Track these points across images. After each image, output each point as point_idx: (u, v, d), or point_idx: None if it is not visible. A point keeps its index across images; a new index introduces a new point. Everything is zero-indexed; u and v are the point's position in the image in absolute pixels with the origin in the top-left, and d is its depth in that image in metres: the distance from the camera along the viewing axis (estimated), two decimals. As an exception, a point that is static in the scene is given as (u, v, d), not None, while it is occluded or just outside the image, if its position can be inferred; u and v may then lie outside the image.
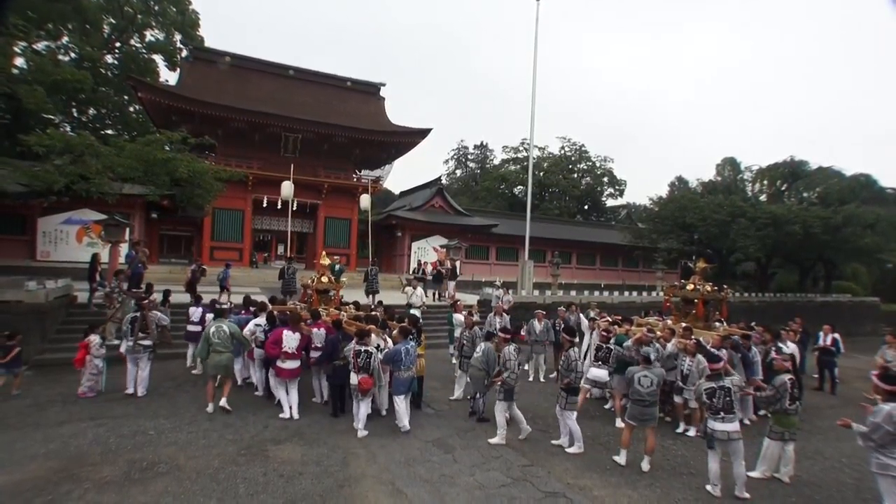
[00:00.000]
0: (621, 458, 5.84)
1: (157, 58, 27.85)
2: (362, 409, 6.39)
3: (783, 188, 33.25)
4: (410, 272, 24.06)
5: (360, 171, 26.78)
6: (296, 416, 6.79)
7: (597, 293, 19.80)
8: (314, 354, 7.23)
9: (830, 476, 5.99)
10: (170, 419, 6.52)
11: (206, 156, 18.55)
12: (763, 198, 32.24)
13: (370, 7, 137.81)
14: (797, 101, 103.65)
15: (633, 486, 5.28)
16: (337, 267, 13.53)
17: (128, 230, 13.89)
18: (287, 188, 17.93)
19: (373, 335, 6.83)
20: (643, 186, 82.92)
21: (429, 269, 19.13)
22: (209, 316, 8.48)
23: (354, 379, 6.34)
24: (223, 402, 6.83)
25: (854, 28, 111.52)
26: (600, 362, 7.59)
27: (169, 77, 28.03)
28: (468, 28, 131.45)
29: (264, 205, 21.73)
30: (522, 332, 10.27)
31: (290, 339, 6.80)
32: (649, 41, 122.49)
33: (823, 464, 6.42)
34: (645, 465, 5.72)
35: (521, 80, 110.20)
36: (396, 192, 38.96)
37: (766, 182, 34.07)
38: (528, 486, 5.10)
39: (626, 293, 20.47)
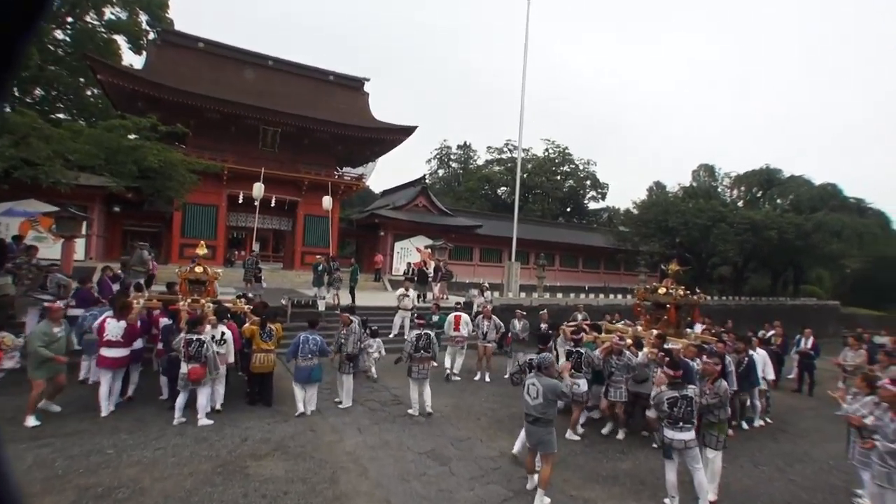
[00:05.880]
0: (529, 484, 5.14)
1: (120, 39, 26.05)
2: (181, 398, 6.43)
3: (758, 195, 34.34)
4: (392, 273, 23.86)
5: (341, 169, 26.18)
6: (111, 408, 6.49)
7: (582, 296, 19.84)
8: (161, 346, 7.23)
9: (821, 479, 6.05)
10: (133, 434, 5.87)
11: (176, 147, 17.65)
12: (740, 204, 33.16)
13: (350, 2, 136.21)
14: (766, 103, 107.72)
15: (636, 496, 5.18)
16: (320, 267, 13.25)
17: (85, 224, 12.97)
18: (257, 189, 17.72)
19: (208, 325, 6.77)
20: (621, 191, 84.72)
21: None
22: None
23: (185, 368, 6.30)
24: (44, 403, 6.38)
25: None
26: (573, 370, 6.98)
27: (134, 61, 26.54)
28: (451, 27, 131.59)
29: (240, 201, 20.94)
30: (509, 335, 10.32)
31: (114, 328, 6.57)
32: (631, 47, 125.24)
33: (813, 466, 6.52)
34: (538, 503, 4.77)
35: (504, 81, 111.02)
36: (377, 191, 38.46)
37: (743, 188, 35.12)
38: (531, 499, 4.84)
39: (612, 296, 20.59)
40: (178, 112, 18.52)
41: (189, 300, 8.07)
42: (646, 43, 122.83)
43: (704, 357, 6.19)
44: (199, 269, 8.48)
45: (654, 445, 6.54)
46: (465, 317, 10.31)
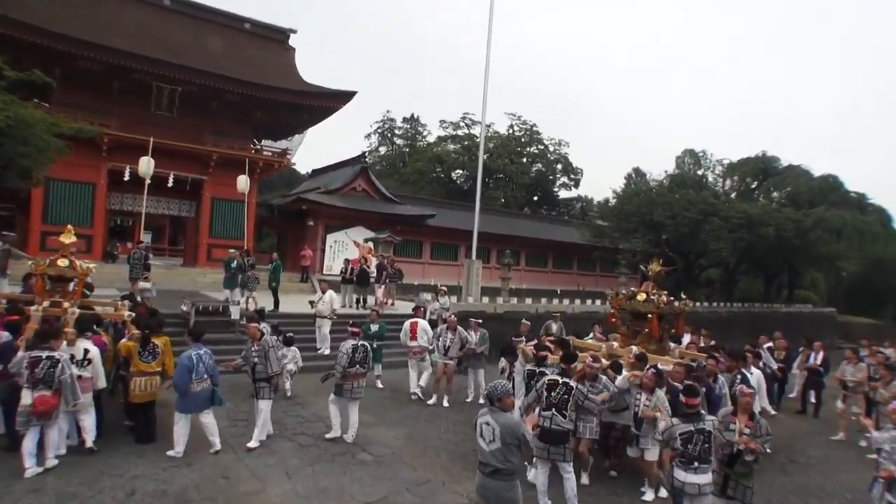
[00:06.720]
0: None
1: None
2: (29, 439, 5.71)
3: (753, 185, 36.44)
4: (324, 271, 23.37)
5: (260, 142, 25.36)
6: None
7: (555, 301, 20.17)
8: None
9: (842, 516, 6.33)
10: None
11: (35, 105, 16.24)
12: (733, 195, 35.06)
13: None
14: (746, 90, 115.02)
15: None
16: (234, 264, 12.61)
17: None
18: (145, 164, 16.77)
19: (65, 341, 6.32)
20: (595, 179, 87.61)
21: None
22: None
23: (28, 398, 5.69)
24: None
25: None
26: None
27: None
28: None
29: (126, 178, 19.65)
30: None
31: None
32: (602, 26, 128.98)
33: (830, 502, 6.79)
34: None
35: (461, 45, 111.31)
36: (305, 171, 37.56)
37: (736, 178, 37.15)
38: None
39: (589, 301, 21.08)
40: (41, 59, 17.07)
41: (46, 303, 7.40)
42: (622, 20, 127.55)
43: (742, 388, 5.97)
44: (62, 263, 7.82)
45: (647, 497, 6.34)
46: (422, 323, 10.55)
